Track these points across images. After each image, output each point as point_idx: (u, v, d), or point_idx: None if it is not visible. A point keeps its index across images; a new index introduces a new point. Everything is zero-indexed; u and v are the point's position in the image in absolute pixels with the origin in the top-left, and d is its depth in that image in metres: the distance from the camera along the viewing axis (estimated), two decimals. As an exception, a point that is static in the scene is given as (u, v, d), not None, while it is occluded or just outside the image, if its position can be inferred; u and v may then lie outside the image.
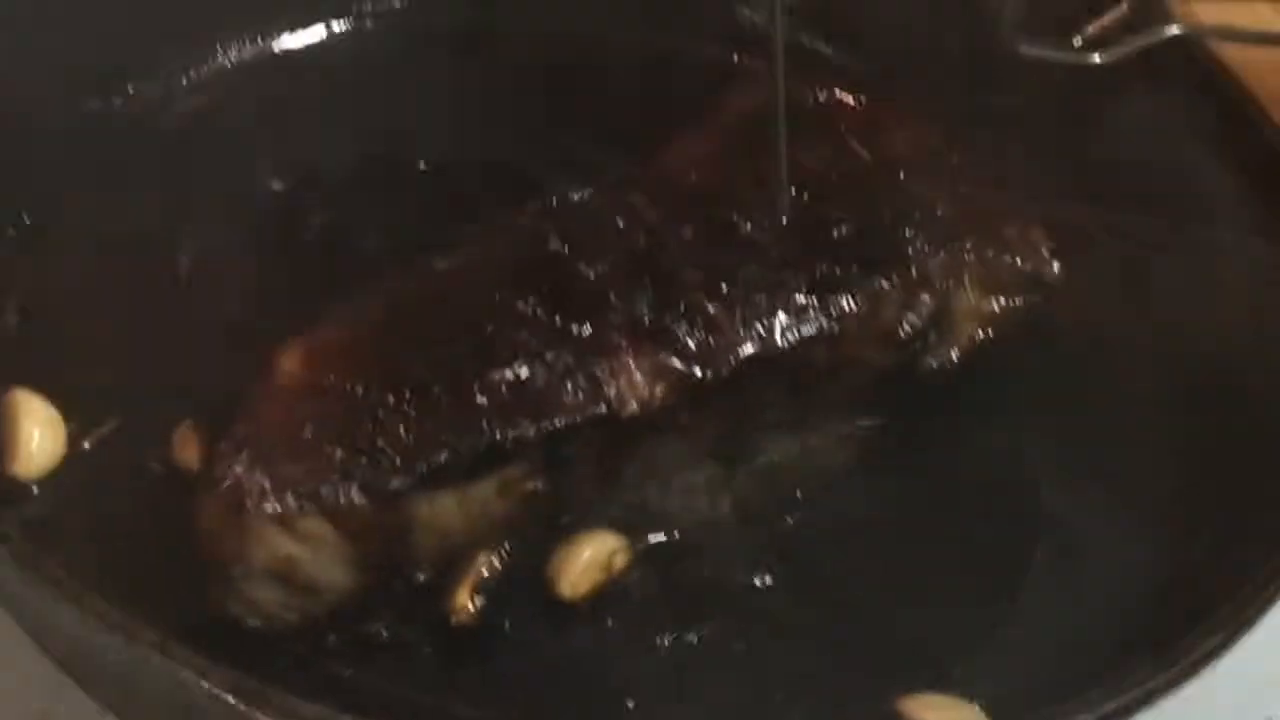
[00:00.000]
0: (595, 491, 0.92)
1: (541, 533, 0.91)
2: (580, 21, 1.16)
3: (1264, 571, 0.82)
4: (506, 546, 0.90)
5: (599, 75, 1.12)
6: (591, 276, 0.93)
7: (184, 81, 1.12)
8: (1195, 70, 1.05)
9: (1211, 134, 1.05)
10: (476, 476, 0.87)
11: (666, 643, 0.90)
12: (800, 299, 0.95)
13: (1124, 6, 1.04)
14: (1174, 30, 1.03)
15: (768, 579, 0.92)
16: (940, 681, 0.88)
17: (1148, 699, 0.77)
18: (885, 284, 0.98)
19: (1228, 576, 0.83)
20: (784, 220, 0.97)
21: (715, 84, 1.09)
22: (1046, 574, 0.95)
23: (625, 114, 1.07)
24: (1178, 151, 1.06)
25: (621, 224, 0.96)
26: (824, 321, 0.95)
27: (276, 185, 1.07)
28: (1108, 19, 1.04)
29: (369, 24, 1.17)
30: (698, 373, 0.91)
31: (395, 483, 0.85)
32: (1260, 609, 0.80)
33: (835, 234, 0.98)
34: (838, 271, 0.97)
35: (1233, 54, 1.05)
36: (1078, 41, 1.03)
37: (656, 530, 0.93)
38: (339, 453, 0.85)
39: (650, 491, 0.94)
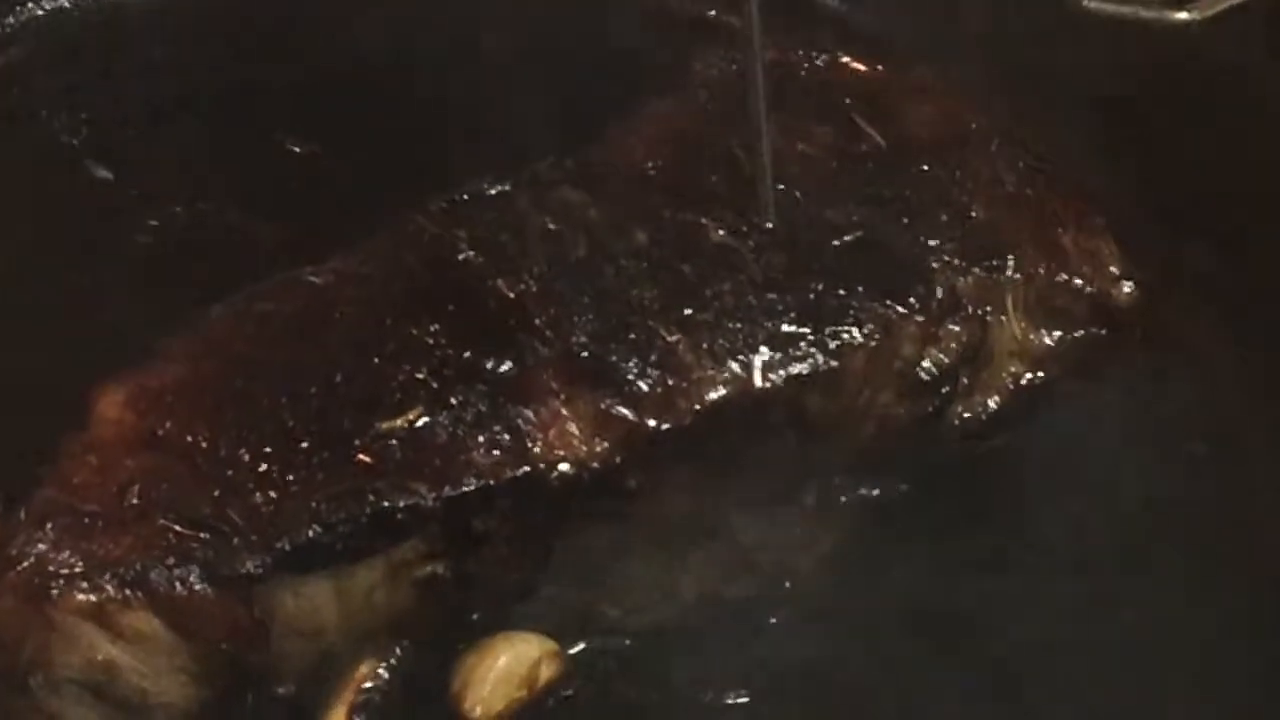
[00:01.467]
0: (516, 580, 0.93)
1: (444, 634, 0.92)
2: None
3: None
4: (397, 651, 0.91)
5: (530, 29, 1.14)
6: (513, 295, 0.94)
7: (-17, 34, 1.17)
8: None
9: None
10: (359, 558, 0.88)
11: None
12: (789, 328, 0.96)
13: (1221, -48, 1.07)
14: (1258, -13, 1.06)
15: (743, 696, 0.94)
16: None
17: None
18: (901, 310, 0.99)
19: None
20: (769, 223, 0.98)
21: (682, 45, 1.11)
22: (1071, 689, 0.96)
23: (565, 82, 1.08)
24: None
25: (553, 226, 0.97)
26: (820, 358, 0.96)
27: (101, 173, 1.09)
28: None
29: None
30: (652, 423, 0.92)
31: (249, 565, 0.85)
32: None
33: (837, 242, 0.99)
34: (840, 292, 0.98)
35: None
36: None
37: (598, 633, 0.95)
38: (175, 525, 0.85)
39: (590, 581, 0.95)
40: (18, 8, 1.11)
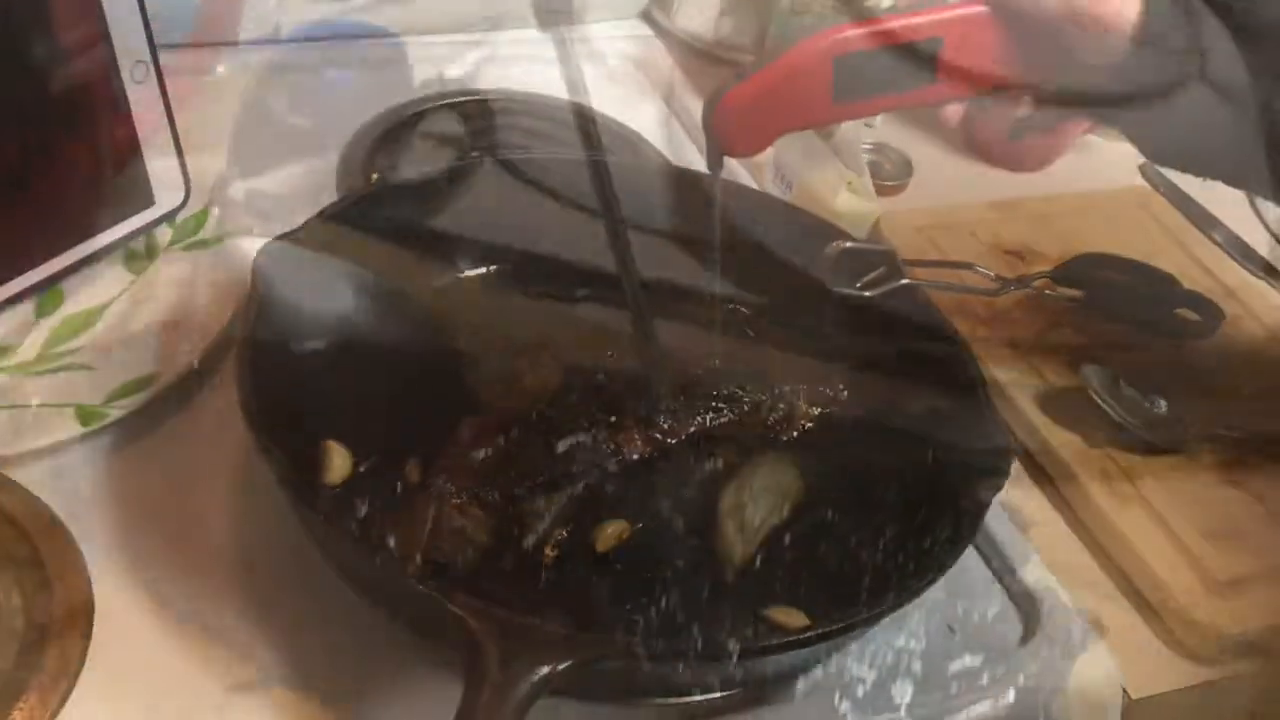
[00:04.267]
0: (615, 498, 0.99)
1: (588, 518, 0.97)
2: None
3: (941, 547, 0.95)
4: (570, 525, 0.98)
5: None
6: (617, 392, 1.05)
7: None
8: (915, 301, 1.17)
9: (918, 336, 1.16)
10: (558, 490, 0.97)
11: (648, 575, 0.94)
12: (720, 406, 1.08)
13: (883, 268, 1.18)
14: (905, 281, 1.18)
15: (696, 541, 0.98)
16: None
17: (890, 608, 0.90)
18: (762, 399, 1.09)
19: (933, 548, 0.92)
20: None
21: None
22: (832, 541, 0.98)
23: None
24: (906, 345, 1.17)
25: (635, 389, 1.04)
26: (730, 416, 1.08)
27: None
28: (875, 274, 1.18)
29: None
30: (669, 441, 1.04)
31: (517, 492, 0.95)
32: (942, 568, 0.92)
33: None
34: (740, 394, 1.12)
35: (937, 296, 1.16)
36: (859, 284, 1.17)
37: (643, 520, 0.98)
38: (488, 476, 0.95)
39: (643, 500, 1.01)
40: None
